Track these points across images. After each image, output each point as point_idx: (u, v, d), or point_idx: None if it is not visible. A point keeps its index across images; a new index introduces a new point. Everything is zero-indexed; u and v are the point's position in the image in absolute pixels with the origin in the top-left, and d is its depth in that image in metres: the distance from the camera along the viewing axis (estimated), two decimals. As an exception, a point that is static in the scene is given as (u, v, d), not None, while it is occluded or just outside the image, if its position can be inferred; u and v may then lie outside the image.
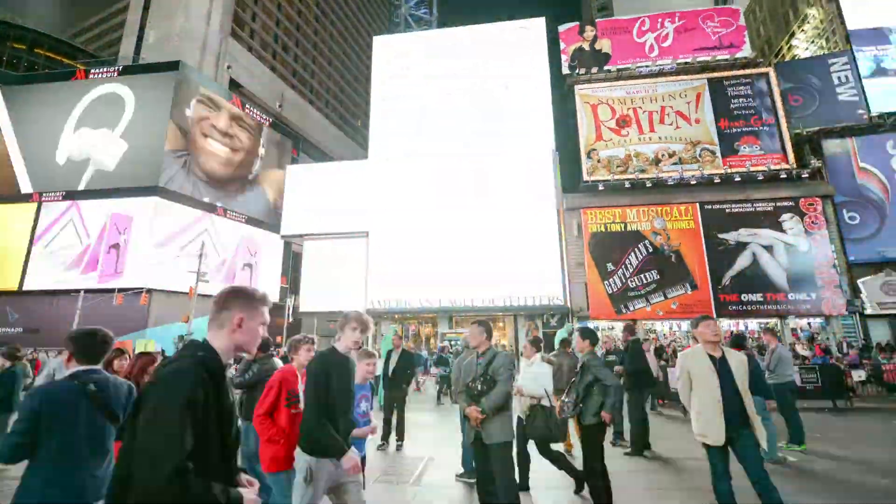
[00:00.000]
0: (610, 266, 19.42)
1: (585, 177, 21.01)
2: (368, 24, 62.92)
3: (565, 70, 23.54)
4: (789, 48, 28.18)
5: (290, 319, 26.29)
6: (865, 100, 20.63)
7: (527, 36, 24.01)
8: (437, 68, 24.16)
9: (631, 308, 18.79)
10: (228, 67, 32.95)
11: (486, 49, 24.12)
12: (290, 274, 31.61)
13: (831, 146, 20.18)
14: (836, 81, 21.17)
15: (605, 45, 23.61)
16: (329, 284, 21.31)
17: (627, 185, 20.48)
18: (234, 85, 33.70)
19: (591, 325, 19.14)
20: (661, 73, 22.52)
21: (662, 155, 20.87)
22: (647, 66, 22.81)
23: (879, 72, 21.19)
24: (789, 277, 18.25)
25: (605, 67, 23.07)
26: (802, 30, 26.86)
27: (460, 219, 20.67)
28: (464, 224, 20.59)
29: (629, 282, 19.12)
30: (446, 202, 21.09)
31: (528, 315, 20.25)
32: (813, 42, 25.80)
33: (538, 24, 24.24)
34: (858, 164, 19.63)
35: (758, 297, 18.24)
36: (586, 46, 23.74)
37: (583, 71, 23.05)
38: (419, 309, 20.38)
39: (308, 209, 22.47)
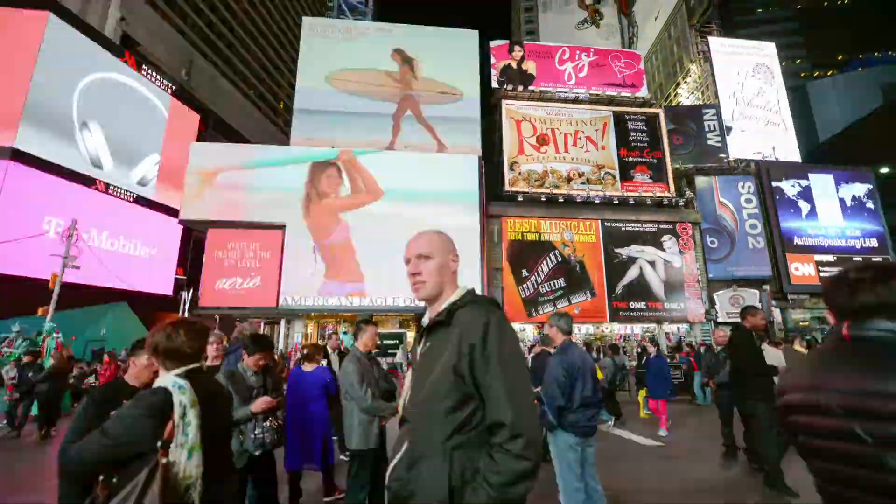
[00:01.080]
0: (524, 272, 20.86)
1: (507, 187, 22.31)
2: (299, 3, 59.00)
3: (494, 84, 24.78)
4: (675, 95, 33.20)
5: (187, 316, 23.35)
6: (726, 146, 25.25)
7: (461, 45, 24.71)
8: (369, 59, 23.60)
9: (541, 312, 20.37)
10: (122, 19, 28.22)
11: (421, 49, 24.23)
12: (189, 264, 28.14)
13: (701, 181, 24.26)
14: (706, 128, 25.54)
15: (530, 66, 25.38)
16: (236, 278, 19.40)
17: (543, 198, 22.23)
18: (129, 41, 28.99)
19: (504, 326, 20.28)
20: (576, 100, 24.95)
21: (573, 174, 23.08)
22: (565, 92, 25.10)
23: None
24: (665, 289, 21.49)
25: (530, 87, 24.82)
26: (686, 81, 31.87)
27: (384, 216, 20.40)
28: (387, 222, 20.36)
29: (540, 288, 20.75)
30: (370, 198, 20.67)
31: (446, 316, 20.73)
32: (693, 93, 30.78)
33: (472, 36, 25.13)
34: (719, 199, 23.88)
35: (642, 304, 21.14)
36: (514, 65, 25.28)
37: (510, 87, 24.49)
38: (337, 307, 19.62)
39: (214, 193, 20.20)
